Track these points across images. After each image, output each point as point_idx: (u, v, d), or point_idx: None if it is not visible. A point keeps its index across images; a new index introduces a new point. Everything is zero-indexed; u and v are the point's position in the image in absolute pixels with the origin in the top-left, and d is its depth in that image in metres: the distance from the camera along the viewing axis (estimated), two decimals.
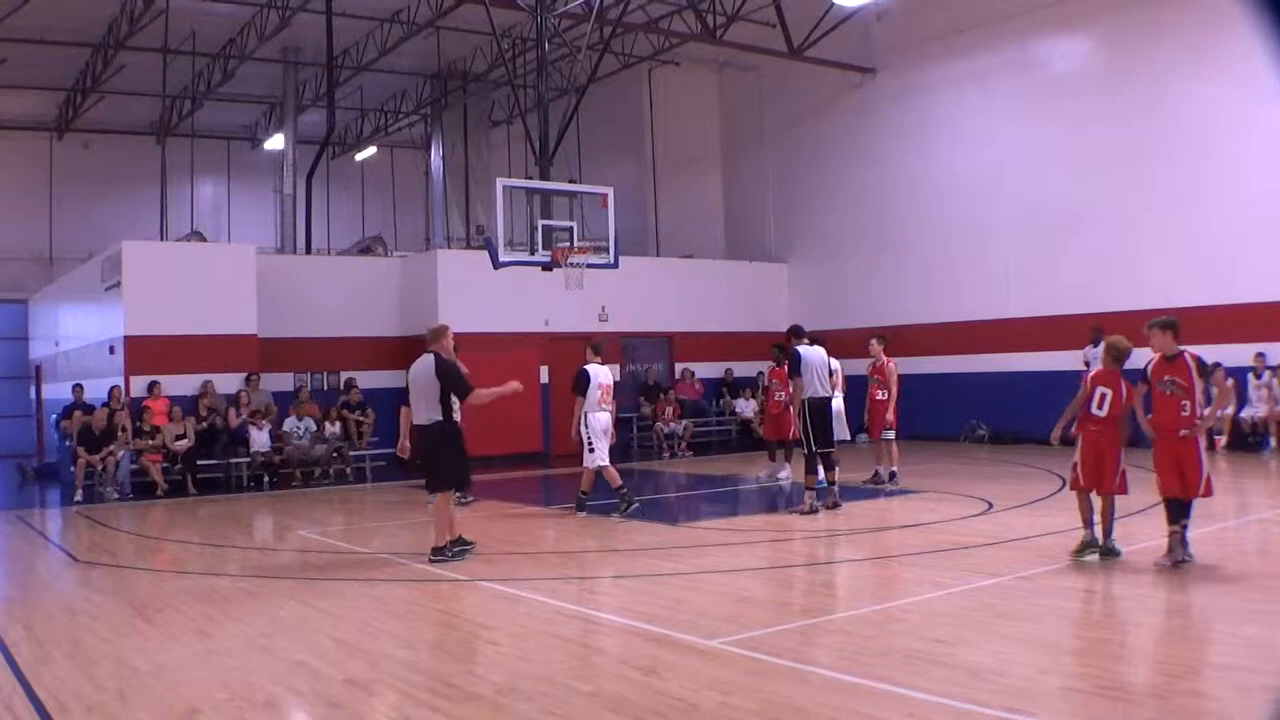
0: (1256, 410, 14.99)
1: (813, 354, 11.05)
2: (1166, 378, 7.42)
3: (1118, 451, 7.61)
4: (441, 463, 8.78)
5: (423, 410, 8.71)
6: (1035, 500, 11.04)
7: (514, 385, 8.81)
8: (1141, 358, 7.74)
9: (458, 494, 12.10)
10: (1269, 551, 8.87)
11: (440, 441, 8.68)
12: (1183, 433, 7.33)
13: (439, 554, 8.72)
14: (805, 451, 10.88)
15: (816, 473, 10.79)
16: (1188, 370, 7.41)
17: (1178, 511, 7.34)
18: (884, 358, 12.96)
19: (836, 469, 11.25)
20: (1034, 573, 7.26)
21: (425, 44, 21.64)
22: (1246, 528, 9.70)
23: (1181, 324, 7.62)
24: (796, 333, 11.55)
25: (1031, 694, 4.70)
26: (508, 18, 19.36)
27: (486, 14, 17.19)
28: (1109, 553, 7.62)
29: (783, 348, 14.42)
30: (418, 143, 29.57)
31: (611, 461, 11.32)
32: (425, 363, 8.73)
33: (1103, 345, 8.16)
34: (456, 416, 8.90)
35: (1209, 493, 7.35)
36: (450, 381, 8.62)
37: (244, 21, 20.56)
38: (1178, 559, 7.26)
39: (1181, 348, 7.50)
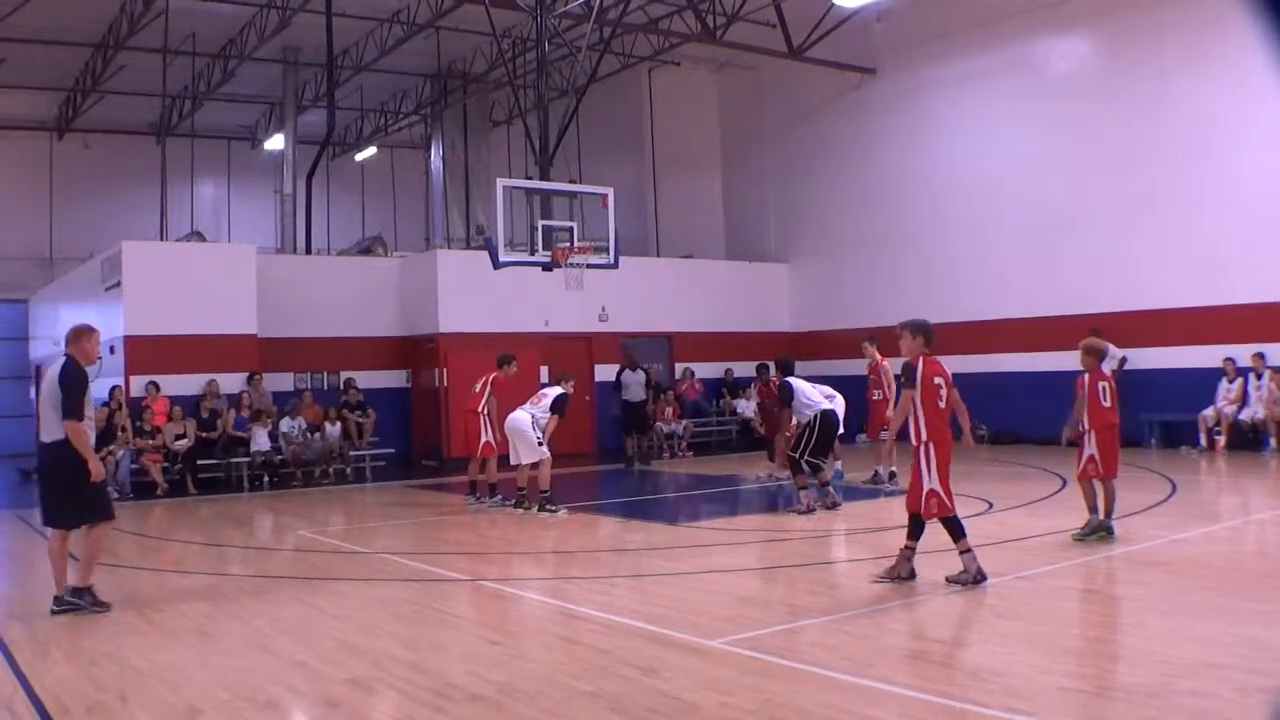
0: (1256, 410, 14.98)
1: (803, 383, 11.11)
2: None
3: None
4: (56, 493, 7.04)
5: (47, 424, 7.00)
6: (1035, 500, 11.03)
7: (96, 468, 6.91)
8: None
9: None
10: (1268, 552, 8.87)
11: (58, 466, 6.94)
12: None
13: (71, 598, 7.02)
14: (791, 452, 10.92)
15: (803, 473, 10.83)
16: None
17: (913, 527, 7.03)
18: (878, 357, 12.95)
19: (824, 470, 11.22)
20: (1034, 573, 7.26)
21: (425, 44, 21.63)
22: (1246, 528, 9.71)
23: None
24: (785, 368, 11.59)
25: (1031, 694, 4.70)
26: (508, 18, 19.35)
27: (486, 14, 17.20)
28: (1109, 531, 8.36)
29: (767, 368, 14.65)
30: (418, 143, 29.55)
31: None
32: (54, 368, 7.12)
33: (1085, 347, 8.63)
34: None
35: (929, 514, 6.89)
36: (66, 393, 6.89)
37: (244, 21, 20.54)
38: (896, 575, 7.00)
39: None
